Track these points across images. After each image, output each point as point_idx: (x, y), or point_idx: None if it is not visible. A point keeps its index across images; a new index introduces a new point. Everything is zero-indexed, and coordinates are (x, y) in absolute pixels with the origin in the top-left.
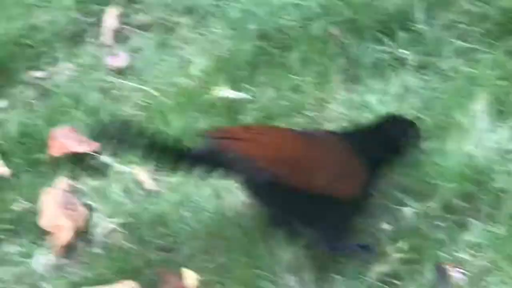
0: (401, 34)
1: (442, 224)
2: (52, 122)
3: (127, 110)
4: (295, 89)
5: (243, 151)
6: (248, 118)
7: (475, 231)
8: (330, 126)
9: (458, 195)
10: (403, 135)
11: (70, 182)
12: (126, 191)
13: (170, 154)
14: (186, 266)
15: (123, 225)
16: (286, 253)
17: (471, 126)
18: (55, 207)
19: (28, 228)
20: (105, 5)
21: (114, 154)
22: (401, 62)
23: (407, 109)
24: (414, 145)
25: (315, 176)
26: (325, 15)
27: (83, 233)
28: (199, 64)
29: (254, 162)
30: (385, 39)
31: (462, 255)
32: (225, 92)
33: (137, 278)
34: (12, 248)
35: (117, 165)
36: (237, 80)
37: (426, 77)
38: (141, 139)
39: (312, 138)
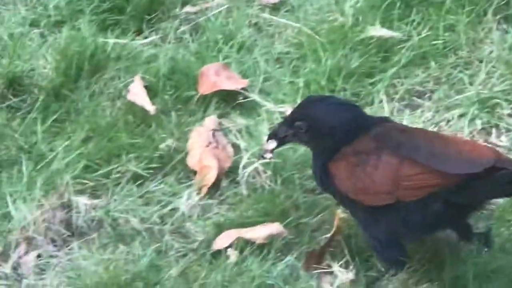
0: None
1: None
2: (203, 58)
3: (279, 47)
4: (449, 28)
5: None
6: (400, 57)
7: None
8: (482, 67)
9: None
10: None
11: (219, 120)
12: None
13: None
14: (333, 208)
15: (270, 166)
16: None
17: None
18: (203, 146)
19: (175, 168)
20: None
21: (264, 92)
22: None
23: None
24: None
25: None
26: None
27: (229, 173)
28: (353, 1)
29: None
30: None
31: None
32: (378, 30)
33: (283, 220)
34: (158, 188)
35: (266, 104)
36: (391, 18)
37: None
38: None
39: None
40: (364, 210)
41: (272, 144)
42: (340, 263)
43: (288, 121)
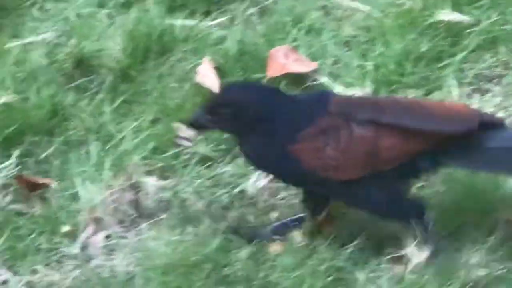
0: None
1: None
2: (271, 41)
3: (348, 31)
4: None
5: None
6: (469, 41)
7: None
8: None
9: None
10: None
11: None
12: None
13: None
14: None
15: None
16: None
17: None
18: None
19: None
20: None
21: (333, 75)
22: None
23: None
24: None
25: None
26: None
27: None
28: None
29: None
30: None
31: None
32: (447, 14)
33: None
34: (226, 170)
35: (335, 87)
36: (460, 2)
37: None
38: None
39: None
40: (338, 185)
41: (190, 132)
42: (413, 245)
43: (210, 108)
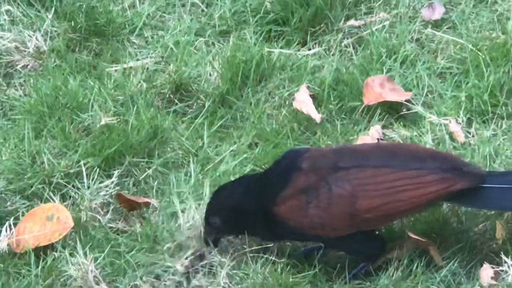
0: None
1: None
2: (366, 71)
3: (442, 63)
4: None
5: None
6: None
7: None
8: None
9: None
10: None
11: (383, 130)
12: (438, 141)
13: None
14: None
15: None
16: None
17: None
18: None
19: None
20: None
21: (427, 105)
22: None
23: None
24: None
25: None
26: None
27: None
28: None
29: None
30: None
31: None
32: None
33: (445, 229)
34: None
35: (430, 116)
36: None
37: None
38: None
39: None
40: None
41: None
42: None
43: (206, 220)
